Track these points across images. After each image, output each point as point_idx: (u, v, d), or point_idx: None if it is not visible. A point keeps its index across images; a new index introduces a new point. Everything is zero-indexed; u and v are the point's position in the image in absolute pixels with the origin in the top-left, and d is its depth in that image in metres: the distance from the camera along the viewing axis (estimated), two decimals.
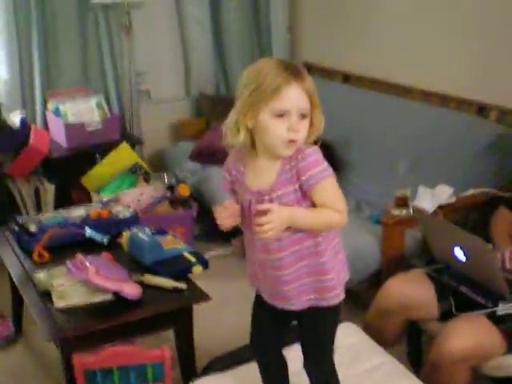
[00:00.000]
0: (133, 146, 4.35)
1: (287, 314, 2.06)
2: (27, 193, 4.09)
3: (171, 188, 4.07)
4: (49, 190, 4.11)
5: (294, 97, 1.79)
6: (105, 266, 2.66)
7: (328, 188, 1.86)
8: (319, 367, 2.10)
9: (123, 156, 4.18)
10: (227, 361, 2.52)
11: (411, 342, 2.81)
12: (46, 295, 2.64)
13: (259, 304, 2.16)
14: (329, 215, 1.86)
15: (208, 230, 4.27)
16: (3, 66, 4.29)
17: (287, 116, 1.80)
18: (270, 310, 2.10)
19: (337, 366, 2.18)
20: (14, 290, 3.32)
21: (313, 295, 1.98)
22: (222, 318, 3.39)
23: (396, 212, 3.09)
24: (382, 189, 3.61)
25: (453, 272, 2.57)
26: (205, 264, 2.83)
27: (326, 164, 1.86)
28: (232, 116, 1.87)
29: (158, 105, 4.90)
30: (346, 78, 4.55)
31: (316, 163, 1.84)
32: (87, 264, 2.61)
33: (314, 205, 1.88)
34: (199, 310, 2.70)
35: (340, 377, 2.21)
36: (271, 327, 2.18)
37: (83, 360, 2.33)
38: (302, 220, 1.87)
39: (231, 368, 2.47)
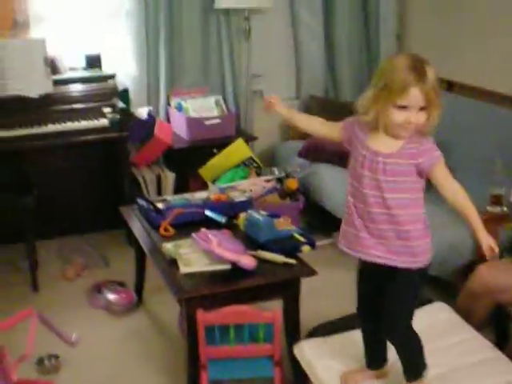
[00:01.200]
0: (247, 142, 4.70)
1: (379, 274, 2.36)
2: (150, 179, 4.51)
3: (280, 181, 4.39)
4: (169, 177, 4.52)
5: (414, 96, 2.14)
6: (225, 240, 3.00)
7: (444, 167, 2.26)
8: (395, 328, 2.37)
9: (238, 150, 4.54)
10: (329, 328, 2.80)
11: (498, 325, 3.01)
12: (172, 263, 3.00)
13: (360, 273, 2.48)
14: (469, 201, 2.28)
15: (313, 225, 4.58)
16: (133, 64, 4.73)
17: (407, 109, 2.16)
18: (367, 277, 2.45)
19: (425, 339, 2.45)
20: (138, 261, 3.73)
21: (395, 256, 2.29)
22: (324, 297, 3.67)
23: (490, 209, 3.31)
24: (479, 190, 3.79)
25: None
26: (313, 245, 3.13)
27: (438, 150, 2.25)
28: (367, 98, 2.24)
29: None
30: (450, 86, 4.75)
31: (435, 148, 2.24)
32: (210, 236, 2.97)
33: (428, 180, 2.27)
34: (305, 289, 2.99)
35: (427, 348, 2.47)
36: (371, 295, 2.46)
37: (206, 316, 2.66)
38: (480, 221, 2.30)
39: (332, 335, 2.75)
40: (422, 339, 2.59)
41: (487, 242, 2.24)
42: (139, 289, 3.82)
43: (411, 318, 2.38)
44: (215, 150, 4.58)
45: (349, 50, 5.28)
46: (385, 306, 2.35)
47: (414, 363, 2.41)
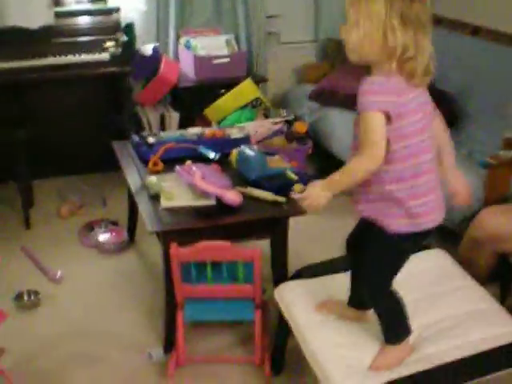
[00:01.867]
0: (257, 83, 4.47)
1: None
2: (154, 118, 4.32)
3: (289, 124, 4.17)
4: (174, 117, 4.33)
5: None
6: (210, 174, 2.81)
7: (364, 122, 1.87)
8: (368, 285, 2.16)
9: (246, 91, 4.33)
10: (313, 271, 2.61)
11: (502, 277, 2.78)
12: (155, 198, 2.82)
13: None
14: (355, 167, 1.91)
15: (323, 171, 4.35)
16: None
17: None
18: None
19: (419, 285, 2.25)
20: (131, 200, 3.56)
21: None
22: (318, 243, 3.49)
23: (503, 153, 3.05)
24: (495, 137, 3.56)
25: None
26: (305, 183, 2.92)
27: (374, 97, 1.84)
28: None
29: (285, 47, 5.00)
30: (475, 31, 4.45)
31: (363, 92, 1.86)
32: (194, 169, 2.78)
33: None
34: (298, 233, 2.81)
35: (420, 294, 2.27)
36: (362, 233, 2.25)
37: (180, 252, 2.48)
38: (335, 185, 1.95)
39: (315, 277, 2.56)
40: (414, 285, 2.42)
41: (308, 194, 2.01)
42: (131, 229, 3.67)
43: (387, 283, 2.14)
44: (223, 91, 4.37)
45: None
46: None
47: (393, 326, 2.20)
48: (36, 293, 3.13)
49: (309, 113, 4.38)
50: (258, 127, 4.08)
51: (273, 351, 2.66)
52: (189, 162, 2.87)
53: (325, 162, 4.30)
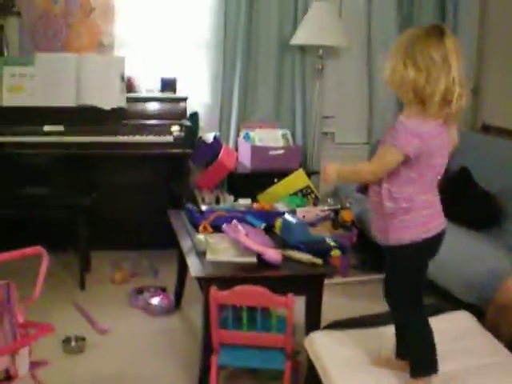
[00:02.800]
0: (308, 175, 4.74)
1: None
2: (208, 199, 4.58)
3: (336, 213, 4.38)
4: (228, 199, 4.57)
5: None
6: (254, 233, 3.03)
7: (382, 149, 2.30)
8: (394, 300, 2.36)
9: (297, 179, 4.59)
10: (346, 324, 2.74)
11: None
12: (203, 254, 3.04)
13: None
14: (360, 165, 2.39)
15: (366, 262, 4.52)
16: (208, 93, 4.91)
17: None
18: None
19: (440, 340, 2.38)
20: (180, 265, 3.78)
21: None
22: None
23: None
24: None
25: None
26: (344, 250, 3.11)
27: (401, 136, 2.20)
28: None
29: (338, 146, 5.29)
30: None
31: (396, 130, 2.24)
32: (239, 227, 3.00)
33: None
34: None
35: (439, 348, 2.39)
36: None
37: (218, 294, 2.67)
38: (343, 172, 2.38)
39: (347, 329, 2.69)
40: (438, 340, 2.51)
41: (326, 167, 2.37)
42: (179, 294, 3.86)
43: (416, 295, 2.32)
44: (276, 180, 4.63)
45: None
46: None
47: (421, 357, 2.32)
48: (82, 339, 3.32)
49: (356, 204, 4.59)
50: (305, 212, 4.29)
51: None
52: (235, 222, 3.09)
53: (368, 252, 4.47)
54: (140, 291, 3.94)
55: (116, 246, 4.66)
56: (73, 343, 3.30)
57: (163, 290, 3.96)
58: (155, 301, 3.79)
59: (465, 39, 5.04)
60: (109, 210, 4.60)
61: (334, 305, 3.43)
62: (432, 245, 2.31)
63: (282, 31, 4.97)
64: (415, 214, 2.25)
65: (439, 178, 2.32)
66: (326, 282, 4.15)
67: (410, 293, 2.32)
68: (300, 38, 4.79)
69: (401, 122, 2.22)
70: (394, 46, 2.23)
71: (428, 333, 2.31)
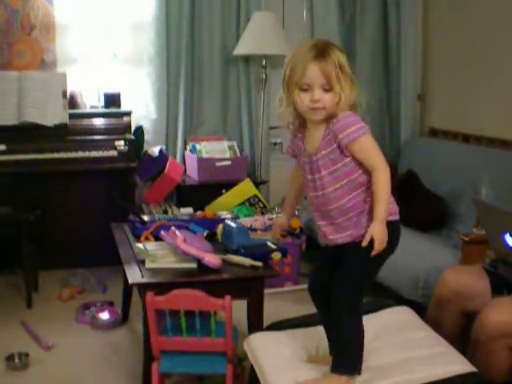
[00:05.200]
0: (256, 185, 4.74)
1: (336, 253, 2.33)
2: (157, 213, 4.55)
3: None
4: (175, 212, 4.55)
5: (313, 73, 2.16)
6: (193, 238, 3.01)
7: (365, 145, 2.20)
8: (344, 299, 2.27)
9: (244, 189, 4.60)
10: (284, 325, 2.72)
11: (465, 335, 2.84)
12: (142, 263, 3.01)
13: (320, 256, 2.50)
14: (380, 185, 2.18)
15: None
16: (153, 107, 4.89)
17: (311, 90, 2.17)
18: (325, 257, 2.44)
19: (379, 335, 2.39)
20: (125, 279, 3.72)
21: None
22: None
23: (476, 230, 3.22)
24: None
25: (509, 265, 2.65)
26: (284, 252, 3.10)
27: (361, 123, 2.19)
28: (279, 100, 2.30)
29: (287, 156, 5.27)
30: (466, 139, 4.72)
31: (350, 123, 2.19)
32: (177, 233, 2.98)
33: (356, 160, 2.21)
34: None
35: (380, 343, 2.39)
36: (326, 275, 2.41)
37: (155, 299, 2.63)
38: (383, 212, 2.17)
39: (285, 330, 2.67)
40: (377, 336, 2.52)
41: (376, 234, 2.14)
42: (125, 308, 3.81)
43: (360, 298, 2.29)
44: (223, 191, 4.63)
45: (368, 110, 5.30)
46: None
47: (347, 356, 2.28)
48: (26, 355, 3.26)
49: (304, 211, 4.59)
50: (253, 221, 4.29)
51: None
52: (173, 228, 3.07)
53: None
54: (87, 307, 3.89)
55: (64, 264, 4.60)
56: (16, 360, 3.23)
57: (110, 304, 3.92)
58: (102, 315, 3.75)
59: (409, 46, 5.11)
60: (55, 227, 4.56)
61: (283, 311, 3.41)
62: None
63: (225, 42, 4.99)
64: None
65: None
66: (277, 290, 4.23)
67: (360, 293, 2.29)
68: (243, 47, 4.81)
69: (344, 116, 2.19)
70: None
71: (362, 331, 2.29)
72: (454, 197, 4.31)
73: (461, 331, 2.77)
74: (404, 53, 5.13)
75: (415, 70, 5.19)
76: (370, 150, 2.20)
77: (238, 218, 3.77)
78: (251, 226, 4.24)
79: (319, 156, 2.25)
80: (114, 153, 4.39)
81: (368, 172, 2.23)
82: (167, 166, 4.61)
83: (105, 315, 3.75)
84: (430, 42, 5.22)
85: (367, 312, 2.60)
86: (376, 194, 2.18)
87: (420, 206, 4.26)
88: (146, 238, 3.33)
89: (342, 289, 2.26)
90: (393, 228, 2.26)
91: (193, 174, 4.80)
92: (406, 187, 4.37)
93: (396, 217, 2.31)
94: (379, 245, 2.15)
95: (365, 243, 2.15)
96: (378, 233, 2.15)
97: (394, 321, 2.64)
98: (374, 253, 2.15)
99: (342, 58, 2.18)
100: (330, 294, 2.33)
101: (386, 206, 2.18)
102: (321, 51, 2.17)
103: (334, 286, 2.31)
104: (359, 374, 2.25)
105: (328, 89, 2.16)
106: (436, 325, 2.73)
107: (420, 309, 2.95)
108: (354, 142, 2.18)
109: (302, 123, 2.33)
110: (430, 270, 3.36)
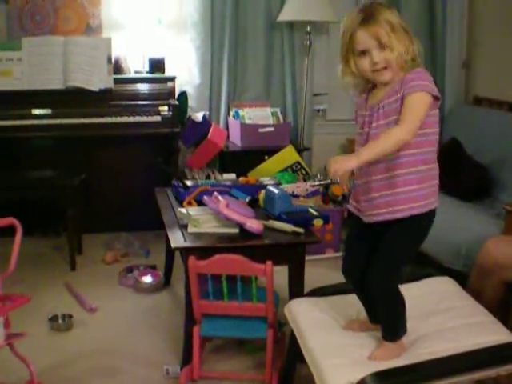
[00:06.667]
0: (299, 152, 4.73)
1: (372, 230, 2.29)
2: (199, 178, 4.57)
3: (326, 187, 4.36)
4: (218, 178, 4.57)
5: (362, 38, 2.14)
6: (235, 204, 3.01)
7: (415, 100, 2.09)
8: (381, 279, 2.24)
9: (287, 156, 4.58)
10: (326, 291, 2.72)
11: (506, 304, 2.81)
12: (185, 227, 3.03)
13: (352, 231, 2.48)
14: (389, 137, 2.08)
15: None
16: (197, 72, 4.89)
17: (368, 53, 2.14)
18: (360, 235, 2.39)
19: (420, 304, 2.37)
20: (168, 244, 3.76)
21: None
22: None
23: None
24: None
25: None
26: (326, 219, 3.09)
27: (429, 82, 2.12)
28: (339, 66, 2.26)
29: (331, 122, 5.27)
30: (511, 108, 4.62)
31: (419, 78, 2.12)
32: (220, 198, 2.99)
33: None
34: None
35: (420, 311, 2.37)
36: (360, 252, 2.38)
37: (197, 263, 2.66)
38: (366, 155, 2.07)
39: (326, 296, 2.68)
40: (417, 305, 2.50)
41: (332, 165, 2.04)
42: (168, 272, 3.86)
43: (397, 274, 2.26)
44: (266, 157, 4.63)
45: None
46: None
47: (394, 324, 2.29)
48: (69, 316, 3.33)
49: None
50: (295, 188, 4.29)
51: (282, 371, 2.75)
52: (216, 193, 3.08)
53: None
54: (130, 270, 3.95)
55: (108, 227, 4.66)
56: (60, 321, 3.31)
57: (153, 267, 3.97)
58: (144, 278, 3.80)
59: (454, 13, 5.00)
60: (99, 192, 4.62)
61: (324, 278, 3.39)
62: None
63: (270, 8, 4.94)
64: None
65: None
66: (318, 256, 4.24)
67: (402, 265, 2.27)
68: (287, 14, 4.76)
69: (416, 71, 2.14)
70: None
71: (402, 302, 2.28)
72: (497, 166, 4.24)
73: (502, 301, 2.74)
74: (450, 20, 5.02)
75: (460, 37, 5.08)
76: (413, 107, 2.09)
77: (281, 184, 3.76)
78: (293, 192, 4.24)
79: (381, 105, 2.19)
80: (157, 118, 4.41)
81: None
82: (210, 131, 4.61)
83: (147, 278, 3.80)
84: (476, 9, 5.09)
85: (408, 281, 2.60)
86: (379, 139, 2.10)
87: (463, 175, 4.21)
88: (189, 203, 3.35)
89: (381, 265, 2.24)
90: (430, 217, 2.22)
91: (236, 139, 4.81)
92: (449, 156, 4.31)
93: (435, 205, 2.22)
94: (334, 171, 2.05)
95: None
96: (340, 162, 2.05)
97: (435, 290, 2.62)
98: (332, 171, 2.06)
99: (390, 17, 2.14)
100: (365, 278, 2.31)
101: (375, 153, 2.07)
102: (367, 15, 2.13)
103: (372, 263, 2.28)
104: (405, 332, 2.27)
105: (383, 48, 2.13)
106: (477, 295, 2.71)
107: (461, 278, 2.93)
108: (411, 92, 2.10)
109: (373, 86, 2.28)
110: (472, 240, 3.31)
